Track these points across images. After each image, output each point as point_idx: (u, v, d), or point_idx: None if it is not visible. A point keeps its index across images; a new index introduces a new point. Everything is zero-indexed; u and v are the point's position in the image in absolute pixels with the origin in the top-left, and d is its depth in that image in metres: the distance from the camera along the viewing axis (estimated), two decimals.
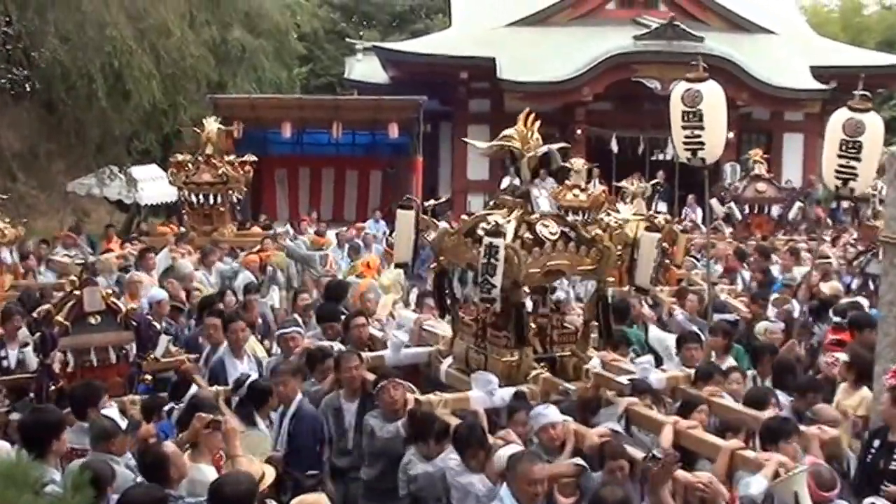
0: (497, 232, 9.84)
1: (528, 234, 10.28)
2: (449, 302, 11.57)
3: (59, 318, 11.07)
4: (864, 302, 15.67)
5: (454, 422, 9.36)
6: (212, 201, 24.64)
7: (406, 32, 61.32)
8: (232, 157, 25.25)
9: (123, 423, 9.13)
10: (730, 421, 9.67)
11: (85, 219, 34.46)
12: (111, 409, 9.28)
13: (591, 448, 9.04)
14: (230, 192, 24.66)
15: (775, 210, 29.17)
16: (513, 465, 8.16)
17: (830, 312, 15.02)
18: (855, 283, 18.17)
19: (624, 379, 10.28)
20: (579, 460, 9.00)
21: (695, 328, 14.30)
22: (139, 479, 8.26)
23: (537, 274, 10.24)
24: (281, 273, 20.60)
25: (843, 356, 12.52)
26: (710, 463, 8.99)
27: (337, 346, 12.44)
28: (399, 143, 36.70)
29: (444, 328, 12.41)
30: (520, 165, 10.86)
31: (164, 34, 31.17)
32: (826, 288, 17.08)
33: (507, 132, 11.01)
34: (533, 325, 10.72)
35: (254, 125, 35.47)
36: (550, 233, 10.31)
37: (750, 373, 12.63)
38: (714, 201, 24.95)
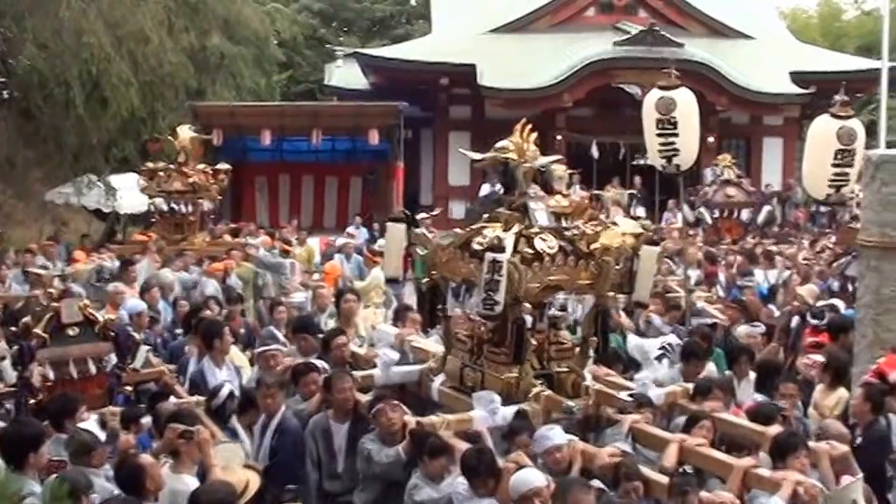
0: (499, 247, 9.60)
1: (527, 249, 9.96)
2: (441, 317, 11.18)
3: (37, 330, 10.99)
4: (840, 304, 15.76)
5: (457, 443, 9.17)
6: (182, 210, 24.61)
7: (386, 38, 61.30)
8: (202, 166, 25.10)
9: (102, 435, 9.05)
10: (734, 437, 9.54)
11: (63, 228, 34.28)
12: (89, 422, 9.22)
13: (602, 468, 8.84)
14: (200, 200, 24.57)
15: (745, 214, 29.33)
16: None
17: (808, 315, 15.07)
18: (835, 286, 18.25)
19: (626, 395, 10.15)
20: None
21: (673, 336, 14.25)
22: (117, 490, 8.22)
23: (536, 289, 9.96)
24: (244, 284, 20.43)
25: (820, 358, 12.64)
26: (719, 481, 8.88)
27: (318, 363, 11.82)
28: (379, 150, 36.70)
29: (427, 343, 12.24)
30: (516, 177, 10.53)
31: (142, 41, 31.04)
32: (804, 291, 17.12)
33: (502, 143, 10.70)
34: (533, 342, 10.43)
35: (233, 132, 35.47)
36: (549, 247, 10.00)
37: (726, 375, 12.71)
38: (684, 206, 25.02)
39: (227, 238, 25.88)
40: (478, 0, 45.36)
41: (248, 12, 43.85)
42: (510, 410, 9.71)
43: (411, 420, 9.76)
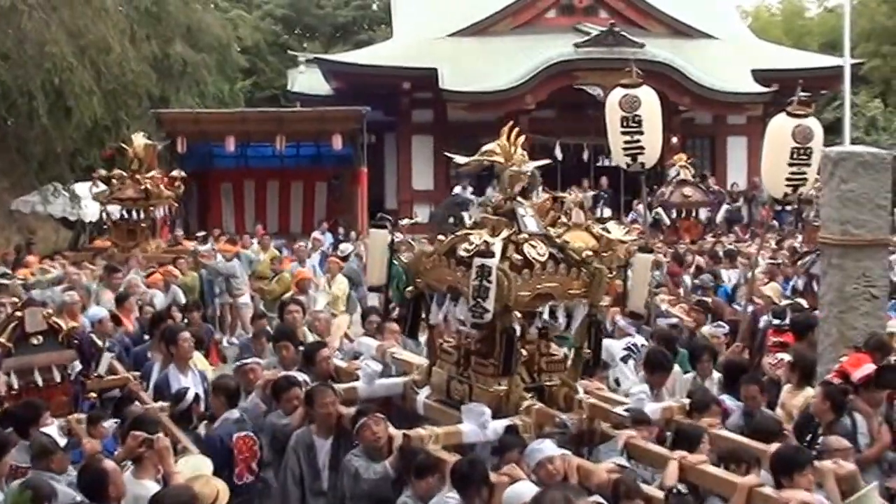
0: (488, 252, 9.19)
1: (516, 255, 9.56)
2: (425, 327, 10.91)
3: (1, 339, 10.99)
4: (804, 302, 15.87)
5: (447, 457, 8.79)
6: (135, 217, 24.73)
7: (349, 44, 61.38)
8: (153, 173, 25.13)
9: (63, 441, 9.08)
10: (733, 452, 9.07)
11: (31, 236, 34.21)
12: (51, 427, 9.24)
13: (600, 486, 8.39)
14: (152, 207, 24.63)
15: (703, 213, 29.42)
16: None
17: (770, 315, 15.14)
18: (800, 283, 18.36)
19: (622, 410, 9.71)
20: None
21: (640, 337, 14.30)
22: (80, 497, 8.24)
23: (526, 297, 9.45)
24: (183, 293, 20.42)
25: (786, 357, 12.68)
26: (720, 500, 8.52)
27: (301, 376, 11.23)
28: (343, 155, 36.71)
29: (409, 355, 11.99)
30: (502, 180, 10.16)
31: (104, 50, 31.05)
32: (767, 290, 17.23)
33: (488, 146, 10.33)
34: (523, 353, 9.96)
35: (198, 139, 35.44)
36: (539, 254, 9.56)
37: (689, 375, 12.75)
38: (640, 207, 25.14)
39: (187, 245, 25.89)
40: (439, 4, 45.40)
41: (210, 20, 44.02)
42: (501, 424, 9.34)
43: (397, 434, 9.38)
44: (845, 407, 10.31)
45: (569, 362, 10.23)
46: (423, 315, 10.60)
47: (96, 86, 30.33)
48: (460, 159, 11.02)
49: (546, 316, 9.71)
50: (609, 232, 11.19)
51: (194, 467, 8.91)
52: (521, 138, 10.34)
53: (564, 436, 9.30)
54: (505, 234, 9.64)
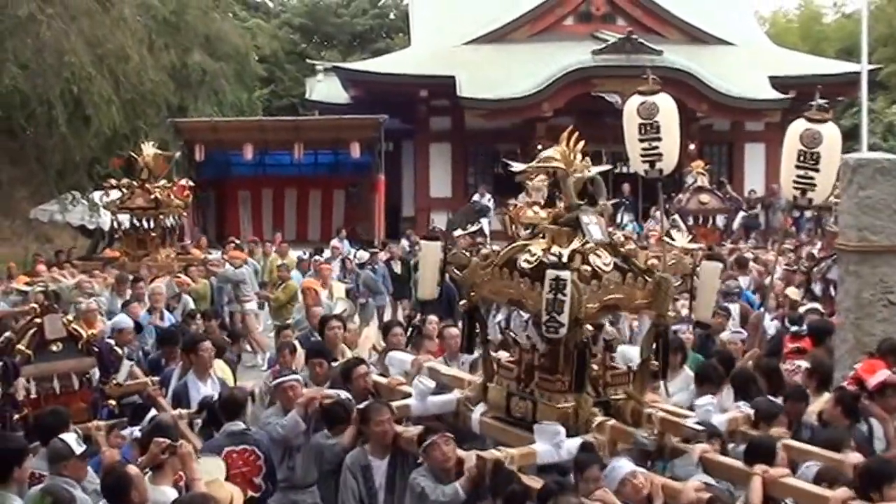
0: (562, 264, 8.69)
1: (584, 266, 9.04)
2: (480, 342, 10.33)
3: (21, 346, 11.03)
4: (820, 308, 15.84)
5: (532, 482, 8.30)
6: (145, 226, 24.83)
7: (366, 52, 61.51)
8: (163, 182, 25.20)
9: (81, 449, 9.05)
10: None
11: (48, 245, 34.35)
12: (67, 434, 9.22)
13: None
14: (162, 216, 24.73)
15: (720, 220, 29.36)
16: None
17: (786, 321, 15.10)
18: (817, 289, 18.32)
19: (692, 423, 9.21)
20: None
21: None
22: (101, 503, 8.27)
23: (594, 310, 9.03)
24: (198, 300, 20.48)
25: (803, 363, 12.63)
26: None
27: (343, 394, 10.78)
28: (361, 162, 36.88)
29: (448, 369, 11.61)
30: (565, 188, 9.56)
31: (123, 59, 31.14)
32: (791, 292, 17.22)
33: (548, 152, 9.78)
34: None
35: (216, 148, 35.67)
36: (604, 264, 9.10)
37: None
38: (657, 214, 25.10)
39: (196, 253, 25.96)
40: (456, 12, 45.37)
41: (229, 29, 44.09)
42: (574, 443, 8.86)
43: (468, 455, 8.93)
44: (858, 412, 10.29)
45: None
46: (479, 329, 10.27)
47: (115, 95, 30.42)
48: (518, 166, 10.48)
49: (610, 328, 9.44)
50: (674, 240, 10.43)
51: (208, 471, 8.95)
52: (581, 143, 9.83)
53: (632, 453, 8.94)
54: (576, 244, 9.18)
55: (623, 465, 8.36)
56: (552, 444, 8.81)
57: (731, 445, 9.47)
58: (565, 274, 8.61)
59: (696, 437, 9.04)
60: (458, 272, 10.15)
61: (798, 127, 14.34)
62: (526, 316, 9.52)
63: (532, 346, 9.59)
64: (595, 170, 9.83)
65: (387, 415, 9.77)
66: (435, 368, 11.53)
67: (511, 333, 9.93)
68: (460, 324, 11.37)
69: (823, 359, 12.58)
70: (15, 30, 28.39)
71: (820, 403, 11.28)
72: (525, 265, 9.21)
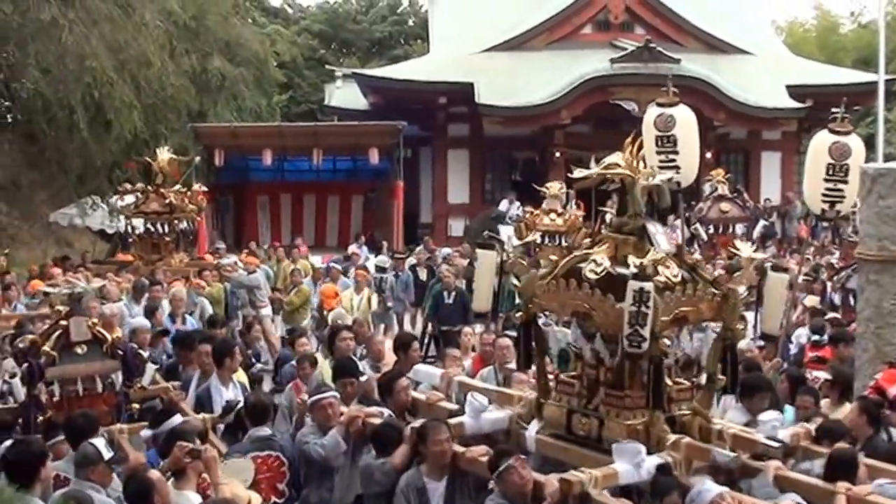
0: (646, 275, 8.30)
1: (657, 278, 8.55)
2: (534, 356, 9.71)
3: (46, 348, 10.98)
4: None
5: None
6: (159, 230, 24.91)
7: (385, 58, 61.55)
8: (177, 187, 25.29)
9: (109, 454, 9.05)
10: None
11: (68, 249, 34.51)
12: (98, 439, 9.24)
13: None
14: (177, 220, 24.82)
15: (740, 229, 29.33)
16: None
17: (807, 329, 15.13)
18: (836, 299, 18.36)
19: (764, 439, 8.72)
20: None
21: None
22: None
23: (667, 323, 8.60)
24: (214, 304, 20.65)
25: (822, 374, 12.66)
26: None
27: (385, 411, 10.42)
28: (379, 168, 36.88)
29: (479, 384, 11.17)
30: (631, 196, 9.09)
31: (144, 65, 31.38)
32: (808, 301, 17.25)
33: (611, 158, 9.23)
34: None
35: (235, 153, 35.68)
36: (673, 275, 8.66)
37: None
38: (676, 223, 25.08)
39: (209, 258, 26.06)
40: (475, 19, 45.43)
41: (248, 34, 44.26)
42: (652, 463, 8.35)
43: (547, 479, 8.35)
44: (880, 420, 10.20)
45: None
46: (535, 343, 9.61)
47: (136, 100, 30.66)
48: (581, 173, 9.57)
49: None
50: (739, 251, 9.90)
51: (237, 471, 9.02)
52: (643, 150, 9.51)
53: (720, 471, 8.44)
54: (654, 255, 8.70)
55: (710, 488, 7.93)
56: (632, 463, 8.31)
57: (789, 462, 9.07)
58: (649, 285, 8.28)
59: (768, 454, 8.65)
60: (517, 282, 9.70)
61: (825, 139, 14.36)
62: (591, 329, 8.97)
63: (598, 360, 9.09)
64: (660, 177, 9.45)
65: (445, 434, 9.22)
66: (465, 383, 11.17)
67: (573, 347, 9.38)
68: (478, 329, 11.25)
69: (844, 368, 12.60)
70: (37, 34, 28.61)
71: (841, 413, 11.23)
72: (592, 275, 8.71)
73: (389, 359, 13.78)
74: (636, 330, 8.29)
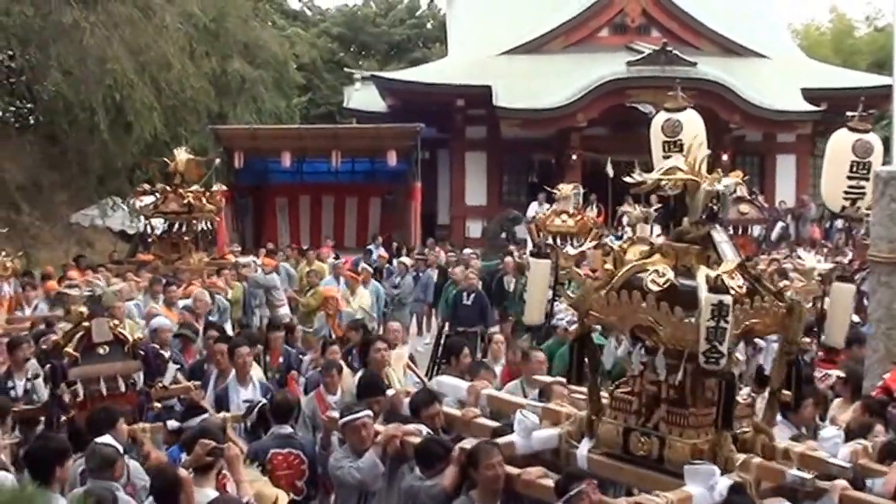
0: (724, 288, 7.67)
1: None
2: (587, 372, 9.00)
3: (69, 349, 11.05)
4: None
5: None
6: (178, 230, 25.02)
7: (404, 61, 61.70)
8: (195, 187, 25.48)
9: (121, 448, 9.09)
10: None
11: (88, 249, 34.73)
12: (104, 437, 9.03)
13: None
14: (195, 221, 24.98)
15: (757, 230, 29.40)
16: None
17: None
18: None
19: (831, 458, 8.30)
20: None
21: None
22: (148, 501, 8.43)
23: (735, 337, 7.94)
24: (233, 304, 20.86)
25: (833, 372, 12.76)
26: None
27: (423, 429, 9.59)
28: (398, 171, 37.02)
29: (508, 397, 10.69)
30: (694, 201, 8.48)
31: (164, 67, 31.61)
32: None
33: (671, 162, 8.68)
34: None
35: (254, 155, 35.82)
36: (738, 286, 7.96)
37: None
38: None
39: (230, 258, 26.20)
40: (493, 23, 45.54)
41: (268, 37, 44.46)
42: (724, 484, 7.74)
43: (613, 502, 7.87)
44: (886, 420, 10.17)
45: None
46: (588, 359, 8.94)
47: (156, 102, 30.89)
48: (640, 177, 8.80)
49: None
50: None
51: (256, 473, 9.19)
52: (706, 153, 8.91)
53: (784, 492, 7.97)
54: (729, 266, 8.07)
55: None
56: (706, 486, 7.72)
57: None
58: (728, 299, 7.65)
59: (847, 475, 8.08)
60: (571, 295, 9.16)
61: (846, 137, 14.36)
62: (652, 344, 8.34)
63: (660, 377, 8.38)
64: (725, 183, 8.65)
65: (498, 456, 8.47)
66: (494, 396, 10.56)
67: (628, 363, 8.76)
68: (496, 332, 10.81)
69: (856, 368, 12.67)
70: (59, 37, 28.87)
71: (852, 411, 11.33)
72: (655, 287, 8.04)
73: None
74: (714, 346, 7.68)
